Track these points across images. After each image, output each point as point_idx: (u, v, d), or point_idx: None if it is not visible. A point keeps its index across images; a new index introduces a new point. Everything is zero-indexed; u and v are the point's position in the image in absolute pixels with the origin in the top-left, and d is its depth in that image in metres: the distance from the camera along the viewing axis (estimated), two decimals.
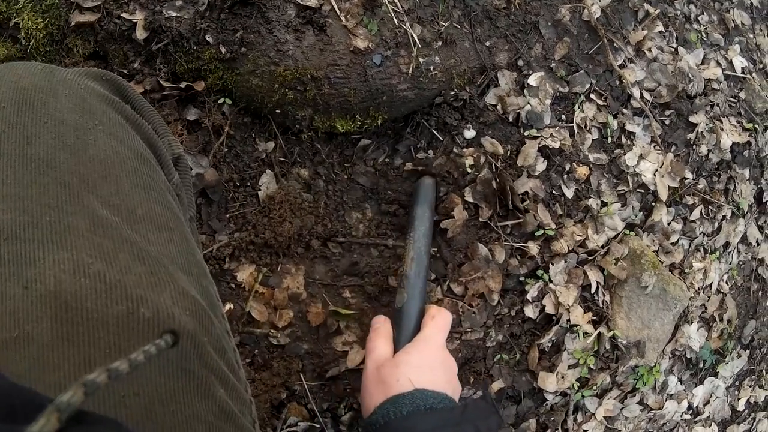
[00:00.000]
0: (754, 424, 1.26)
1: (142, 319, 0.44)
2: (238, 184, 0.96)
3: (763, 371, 1.26)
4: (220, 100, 0.94)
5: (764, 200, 1.21)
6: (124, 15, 0.91)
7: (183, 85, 0.92)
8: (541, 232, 0.98)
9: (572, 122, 1.02)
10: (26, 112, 0.50)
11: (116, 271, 0.45)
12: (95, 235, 0.46)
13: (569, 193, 1.01)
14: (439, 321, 0.79)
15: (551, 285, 1.00)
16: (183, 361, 0.45)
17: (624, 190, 1.05)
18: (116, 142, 0.54)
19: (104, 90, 0.59)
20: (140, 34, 0.91)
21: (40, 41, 0.92)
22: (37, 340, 0.40)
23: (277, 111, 0.94)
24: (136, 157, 0.55)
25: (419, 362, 0.71)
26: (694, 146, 1.10)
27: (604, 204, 1.04)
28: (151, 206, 0.53)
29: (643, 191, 1.06)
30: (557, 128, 1.00)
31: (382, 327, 0.82)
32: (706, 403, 1.19)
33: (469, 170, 0.99)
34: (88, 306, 0.42)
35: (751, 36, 1.23)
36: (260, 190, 0.97)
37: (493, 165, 0.99)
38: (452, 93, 0.98)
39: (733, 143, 1.13)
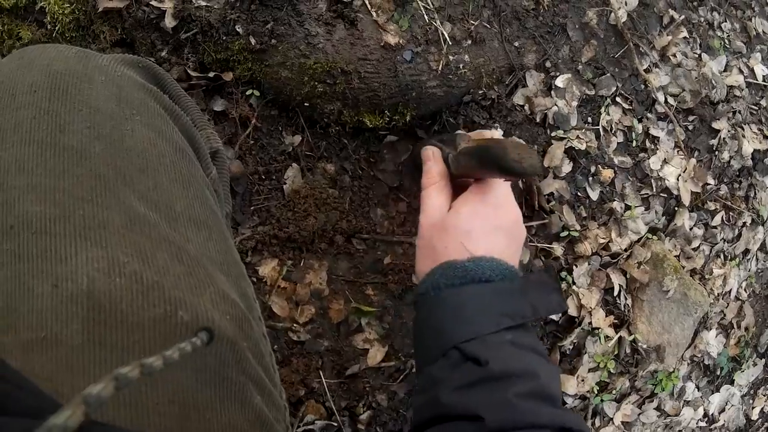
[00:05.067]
0: None
1: (180, 322, 0.42)
2: (263, 177, 0.98)
3: None
4: (248, 92, 0.95)
5: None
6: (153, 2, 0.92)
7: (211, 75, 0.93)
8: (566, 233, 1.01)
9: (598, 125, 1.05)
10: (60, 98, 0.48)
11: (153, 271, 0.43)
12: (132, 233, 0.44)
13: (594, 195, 1.04)
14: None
15: (574, 287, 1.03)
16: (221, 368, 0.44)
17: (647, 194, 1.08)
18: (154, 133, 0.52)
19: (141, 78, 0.57)
20: (169, 22, 0.92)
21: (66, 26, 0.93)
22: (65, 342, 0.39)
23: (306, 104, 0.96)
24: (174, 150, 0.53)
25: (489, 224, 0.59)
26: (717, 152, 1.14)
27: (627, 207, 1.06)
28: (190, 202, 0.51)
29: (666, 195, 1.09)
30: (583, 130, 1.03)
31: (435, 166, 0.66)
32: (722, 411, 1.22)
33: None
34: (122, 308, 0.41)
35: None
36: (285, 183, 0.98)
37: None
38: (480, 92, 1.01)
39: (754, 150, 1.17)
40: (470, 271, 0.55)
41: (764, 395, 1.26)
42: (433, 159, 0.67)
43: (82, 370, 0.38)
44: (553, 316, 1.01)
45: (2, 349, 0.38)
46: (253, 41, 0.93)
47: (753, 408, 1.25)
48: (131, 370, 0.28)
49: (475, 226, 0.58)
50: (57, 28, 0.95)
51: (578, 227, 1.01)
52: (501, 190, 0.61)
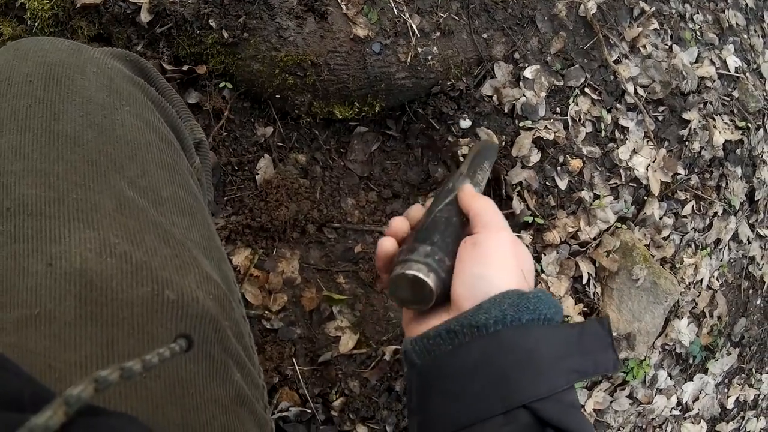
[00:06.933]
0: (743, 422, 1.33)
1: (167, 301, 0.46)
2: (236, 167, 1.03)
3: (753, 370, 1.34)
4: (221, 84, 1.01)
5: (756, 198, 1.29)
6: None
7: (185, 68, 0.99)
8: (531, 219, 1.05)
9: (566, 115, 1.10)
10: (53, 88, 0.52)
11: (142, 252, 0.47)
12: (122, 216, 0.49)
13: (562, 184, 1.09)
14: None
15: (543, 275, 1.07)
16: (204, 345, 0.48)
17: (617, 183, 1.12)
18: (142, 123, 0.57)
19: (129, 71, 0.62)
20: (144, 17, 0.97)
21: (45, 22, 0.99)
22: (59, 318, 0.42)
23: (277, 96, 1.01)
24: (161, 139, 0.58)
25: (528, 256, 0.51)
26: (687, 143, 1.18)
27: (596, 197, 1.11)
28: (176, 189, 0.56)
29: (635, 185, 1.14)
30: (552, 121, 1.08)
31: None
32: (696, 399, 1.26)
33: (463, 160, 1.06)
34: (113, 286, 0.44)
35: (746, 36, 1.32)
36: (258, 174, 1.04)
37: None
38: (449, 83, 1.06)
39: (726, 141, 1.21)
40: (540, 305, 0.45)
41: (739, 384, 1.30)
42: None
43: (74, 344, 0.41)
44: None
45: None
46: (225, 35, 0.98)
47: (728, 397, 1.30)
48: (111, 373, 0.29)
49: (529, 259, 0.51)
50: (36, 23, 1.00)
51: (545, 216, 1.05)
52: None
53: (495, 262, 0.46)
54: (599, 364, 0.45)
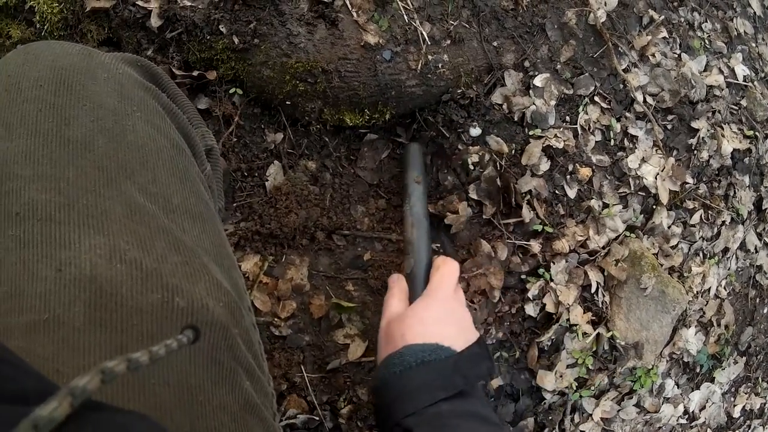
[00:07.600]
0: (750, 431, 1.34)
1: (176, 308, 0.46)
2: (245, 173, 1.03)
3: (760, 379, 1.35)
4: (231, 90, 1.01)
5: (764, 207, 1.29)
6: (140, 2, 0.98)
7: (195, 73, 0.99)
8: (540, 227, 1.06)
9: (576, 124, 1.10)
10: (64, 93, 0.52)
11: (152, 259, 0.48)
12: (132, 222, 0.49)
13: (572, 193, 1.09)
14: (444, 270, 0.83)
15: (552, 284, 1.08)
16: (214, 352, 0.49)
17: (625, 192, 1.13)
18: (153, 129, 0.57)
19: (140, 76, 0.62)
20: (155, 22, 0.98)
21: (54, 25, 0.99)
22: (68, 323, 0.42)
23: (287, 102, 1.01)
24: (172, 146, 0.58)
25: (423, 316, 0.74)
26: (696, 151, 1.19)
27: (605, 205, 1.12)
28: (186, 196, 0.56)
29: (644, 194, 1.15)
30: (561, 129, 1.08)
31: (396, 285, 0.87)
32: (702, 408, 1.27)
33: (473, 168, 1.06)
34: (123, 292, 0.44)
35: (754, 45, 1.33)
36: (267, 180, 1.04)
37: (498, 163, 1.06)
38: (459, 91, 1.06)
39: (734, 150, 1.22)
40: (405, 358, 0.66)
41: (746, 393, 1.31)
42: (396, 281, 0.89)
43: (83, 350, 0.42)
44: (531, 313, 1.06)
45: (6, 330, 0.42)
46: (236, 41, 0.98)
47: (735, 406, 1.31)
48: (117, 365, 0.29)
49: (427, 316, 0.74)
50: (46, 27, 1.01)
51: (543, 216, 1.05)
52: (445, 288, 0.81)
53: (381, 345, 0.76)
54: (470, 377, 0.65)
